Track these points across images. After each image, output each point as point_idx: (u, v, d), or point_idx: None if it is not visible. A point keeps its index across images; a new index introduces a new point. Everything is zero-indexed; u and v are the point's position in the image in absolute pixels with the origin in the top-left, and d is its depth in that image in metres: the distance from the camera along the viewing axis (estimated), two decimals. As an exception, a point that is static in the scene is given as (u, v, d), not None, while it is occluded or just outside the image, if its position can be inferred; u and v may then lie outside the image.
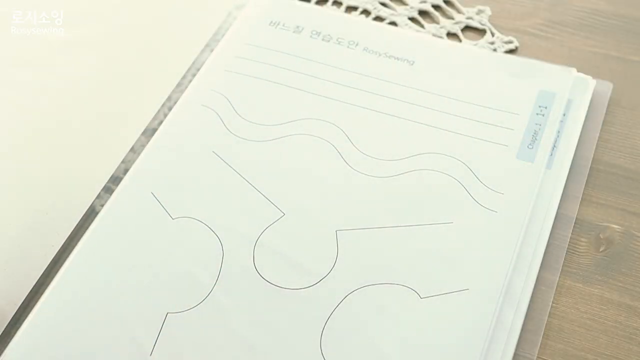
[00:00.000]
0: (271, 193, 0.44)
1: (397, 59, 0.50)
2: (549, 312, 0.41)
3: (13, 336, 0.40)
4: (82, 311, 0.40)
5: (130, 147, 0.47)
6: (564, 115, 0.48)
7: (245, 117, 0.48)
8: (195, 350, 0.39)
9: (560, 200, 0.44)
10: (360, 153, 0.46)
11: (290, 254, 0.42)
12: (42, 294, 0.41)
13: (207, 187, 0.45)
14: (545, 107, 0.47)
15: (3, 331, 0.40)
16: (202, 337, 0.39)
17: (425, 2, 0.56)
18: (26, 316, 0.40)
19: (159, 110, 0.49)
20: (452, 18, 0.56)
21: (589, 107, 0.48)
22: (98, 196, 0.45)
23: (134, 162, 0.46)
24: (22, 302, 0.41)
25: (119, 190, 0.45)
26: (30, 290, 0.41)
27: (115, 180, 0.46)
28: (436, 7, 0.56)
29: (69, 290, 0.41)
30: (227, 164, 0.46)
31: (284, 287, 0.40)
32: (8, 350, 0.39)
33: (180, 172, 0.45)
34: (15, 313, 0.41)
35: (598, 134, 0.48)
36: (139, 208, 0.44)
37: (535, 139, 0.46)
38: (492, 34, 0.54)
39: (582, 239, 0.44)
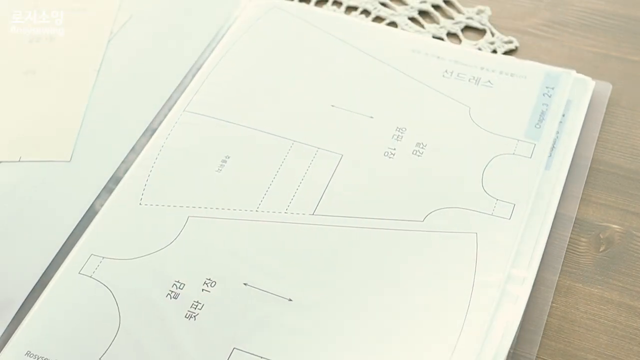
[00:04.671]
0: None
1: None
2: (549, 312, 0.41)
3: (19, 325, 0.40)
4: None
5: (132, 147, 0.48)
6: (564, 115, 0.48)
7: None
8: None
9: (560, 200, 0.44)
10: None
11: None
12: (43, 289, 0.41)
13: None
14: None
15: (12, 319, 0.41)
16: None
17: (425, 2, 0.56)
18: (31, 308, 0.41)
19: (159, 111, 0.49)
20: (452, 18, 0.56)
21: (589, 107, 0.49)
22: (98, 196, 0.45)
23: (134, 162, 0.46)
24: (28, 295, 0.41)
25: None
26: (33, 287, 0.42)
27: (116, 180, 0.46)
28: (436, 7, 0.56)
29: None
30: None
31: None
32: (17, 335, 0.40)
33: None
34: (22, 304, 0.41)
35: (597, 134, 0.48)
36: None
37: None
38: (492, 34, 0.54)
39: (582, 239, 0.44)
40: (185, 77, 0.51)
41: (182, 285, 0.41)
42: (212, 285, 0.41)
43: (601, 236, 0.44)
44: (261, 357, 0.38)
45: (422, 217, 0.43)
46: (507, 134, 0.46)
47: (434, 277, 0.41)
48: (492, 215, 0.43)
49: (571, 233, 0.44)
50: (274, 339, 0.39)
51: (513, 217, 0.43)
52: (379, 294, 0.40)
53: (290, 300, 0.40)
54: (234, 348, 0.38)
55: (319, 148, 0.46)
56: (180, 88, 0.51)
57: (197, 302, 0.40)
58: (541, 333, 0.40)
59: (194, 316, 0.40)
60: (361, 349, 0.38)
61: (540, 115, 0.47)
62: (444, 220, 0.43)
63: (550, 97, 0.48)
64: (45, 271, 0.42)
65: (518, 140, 0.46)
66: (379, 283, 0.41)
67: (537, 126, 0.47)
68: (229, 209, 0.44)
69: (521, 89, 0.49)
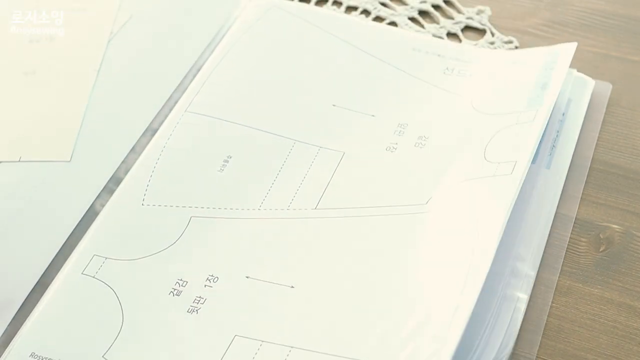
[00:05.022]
0: None
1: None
2: (549, 312, 0.41)
3: (21, 326, 0.40)
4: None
5: (131, 147, 0.48)
6: (563, 115, 0.48)
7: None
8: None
9: (560, 200, 0.44)
10: None
11: None
12: (44, 289, 0.41)
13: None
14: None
15: (12, 319, 0.41)
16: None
17: (425, 2, 0.56)
18: (33, 309, 0.41)
19: (159, 111, 0.49)
20: (452, 18, 0.56)
21: (589, 107, 0.49)
22: (98, 196, 0.45)
23: (134, 162, 0.46)
24: (28, 295, 0.41)
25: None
26: (33, 288, 0.42)
27: (116, 180, 0.46)
28: (436, 7, 0.56)
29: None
30: None
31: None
32: (19, 336, 0.40)
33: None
34: (22, 304, 0.41)
35: (597, 134, 0.48)
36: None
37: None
38: (492, 34, 0.54)
39: (582, 239, 0.44)
40: (186, 77, 0.51)
41: (185, 282, 0.41)
42: (215, 280, 0.41)
43: (601, 236, 0.44)
44: (262, 341, 0.38)
45: (425, 200, 0.43)
46: (510, 110, 0.46)
47: (438, 258, 0.40)
48: (494, 176, 0.42)
49: (571, 233, 0.44)
50: (275, 322, 0.39)
51: (514, 172, 0.42)
52: (383, 278, 0.40)
53: (292, 287, 0.40)
54: (236, 335, 0.38)
55: (320, 147, 0.46)
56: (181, 88, 0.51)
57: (200, 297, 0.40)
58: (541, 333, 0.40)
59: (196, 310, 0.40)
60: (365, 333, 0.38)
61: (542, 85, 0.46)
62: (447, 197, 0.42)
63: (551, 69, 0.47)
64: (45, 271, 0.42)
65: (520, 112, 0.45)
66: (383, 267, 0.41)
67: (539, 95, 0.46)
68: (231, 209, 0.44)
69: (522, 73, 0.48)
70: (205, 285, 0.41)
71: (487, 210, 0.41)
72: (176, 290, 0.41)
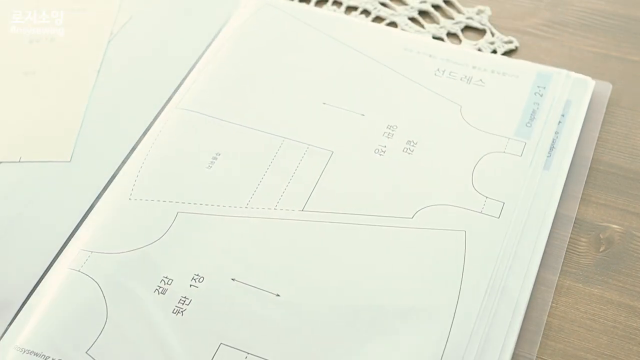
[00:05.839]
0: None
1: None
2: (549, 312, 0.41)
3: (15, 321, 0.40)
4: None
5: (131, 147, 0.48)
6: (563, 115, 0.48)
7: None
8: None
9: (560, 200, 0.44)
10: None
11: None
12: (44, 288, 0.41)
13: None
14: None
15: (12, 319, 0.41)
16: None
17: (425, 2, 0.56)
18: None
19: (159, 111, 0.49)
20: (452, 18, 0.56)
21: (589, 107, 0.49)
22: (98, 196, 0.45)
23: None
24: (28, 296, 0.41)
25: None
26: (33, 288, 0.42)
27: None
28: (436, 7, 0.56)
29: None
30: None
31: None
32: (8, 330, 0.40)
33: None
34: (22, 305, 0.41)
35: (597, 134, 0.48)
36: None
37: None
38: (492, 34, 0.54)
39: (582, 239, 0.44)
40: (185, 77, 0.51)
41: (170, 281, 0.41)
42: (200, 280, 0.41)
43: (601, 236, 0.44)
44: (248, 353, 0.38)
45: (411, 214, 0.43)
46: (498, 132, 0.46)
47: (423, 274, 0.41)
48: (481, 213, 0.43)
49: (571, 233, 0.44)
50: (261, 334, 0.39)
51: (502, 216, 0.43)
52: (367, 290, 0.40)
53: (278, 295, 0.40)
54: (221, 343, 0.38)
55: (309, 145, 0.46)
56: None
57: (185, 297, 0.40)
58: (541, 333, 0.40)
59: (182, 312, 0.40)
60: (348, 346, 0.38)
61: (531, 114, 0.47)
62: (433, 217, 0.43)
63: (541, 96, 0.48)
64: (45, 272, 0.42)
65: (509, 138, 0.46)
66: (367, 280, 0.41)
67: (528, 125, 0.47)
68: (218, 205, 0.44)
69: (512, 88, 0.49)
70: (190, 285, 0.40)
71: (476, 257, 0.41)
72: (161, 289, 0.40)
